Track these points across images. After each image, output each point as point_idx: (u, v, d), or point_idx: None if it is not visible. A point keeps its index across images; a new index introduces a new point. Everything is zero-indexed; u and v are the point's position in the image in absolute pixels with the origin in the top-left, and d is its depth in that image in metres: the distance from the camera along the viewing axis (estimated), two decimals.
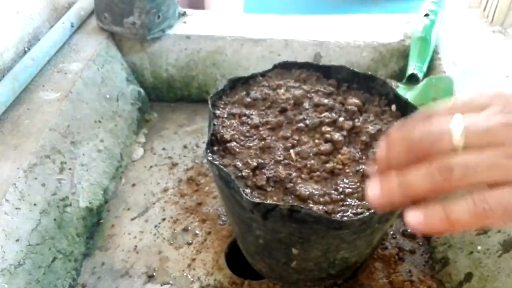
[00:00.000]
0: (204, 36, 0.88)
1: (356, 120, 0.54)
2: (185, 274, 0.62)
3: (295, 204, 0.43)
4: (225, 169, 0.44)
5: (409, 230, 0.67)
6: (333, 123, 0.53)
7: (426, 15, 0.85)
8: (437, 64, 0.80)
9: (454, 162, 0.25)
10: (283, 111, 0.56)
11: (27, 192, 0.56)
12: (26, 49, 0.76)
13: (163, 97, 0.96)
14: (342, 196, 0.45)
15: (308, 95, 0.58)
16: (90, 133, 0.73)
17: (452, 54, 0.80)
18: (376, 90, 0.58)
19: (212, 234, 0.67)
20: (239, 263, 0.62)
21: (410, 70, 0.79)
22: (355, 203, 0.45)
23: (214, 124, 0.52)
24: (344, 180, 0.47)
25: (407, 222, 0.27)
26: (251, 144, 0.51)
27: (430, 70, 0.81)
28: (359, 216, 0.42)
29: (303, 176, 0.47)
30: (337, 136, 0.51)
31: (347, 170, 0.48)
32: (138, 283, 0.61)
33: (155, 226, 0.69)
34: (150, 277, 0.61)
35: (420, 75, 0.78)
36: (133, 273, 0.62)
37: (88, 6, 0.91)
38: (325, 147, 0.50)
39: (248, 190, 0.46)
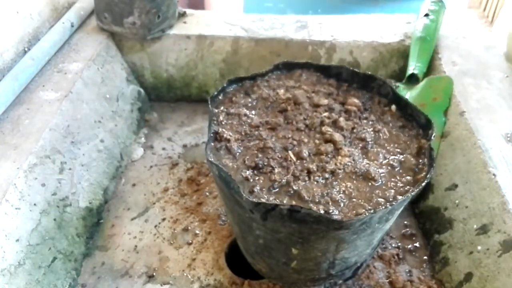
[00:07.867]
0: (204, 36, 0.88)
1: (356, 120, 0.54)
2: (185, 274, 0.62)
3: (295, 204, 0.43)
4: (225, 169, 0.44)
5: (409, 231, 0.67)
6: (333, 123, 0.53)
7: (426, 15, 0.85)
8: (437, 64, 0.80)
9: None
10: (283, 111, 0.56)
11: (27, 192, 0.56)
12: (26, 49, 0.76)
13: (163, 97, 0.96)
14: (342, 196, 0.45)
15: (308, 95, 0.58)
16: (90, 133, 0.73)
17: (452, 54, 0.80)
18: (376, 90, 0.59)
19: (212, 234, 0.67)
20: (239, 263, 0.62)
21: (410, 70, 0.79)
22: (355, 203, 0.45)
23: (214, 124, 0.52)
24: (344, 180, 0.47)
25: None
26: (251, 144, 0.51)
27: (430, 70, 0.81)
28: (359, 216, 0.42)
29: (303, 176, 0.47)
30: (337, 136, 0.51)
31: (347, 170, 0.48)
32: (138, 283, 0.61)
33: (155, 226, 0.69)
34: (150, 277, 0.61)
35: (420, 75, 0.78)
36: (133, 273, 0.62)
37: (88, 6, 0.91)
38: (325, 147, 0.50)
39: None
